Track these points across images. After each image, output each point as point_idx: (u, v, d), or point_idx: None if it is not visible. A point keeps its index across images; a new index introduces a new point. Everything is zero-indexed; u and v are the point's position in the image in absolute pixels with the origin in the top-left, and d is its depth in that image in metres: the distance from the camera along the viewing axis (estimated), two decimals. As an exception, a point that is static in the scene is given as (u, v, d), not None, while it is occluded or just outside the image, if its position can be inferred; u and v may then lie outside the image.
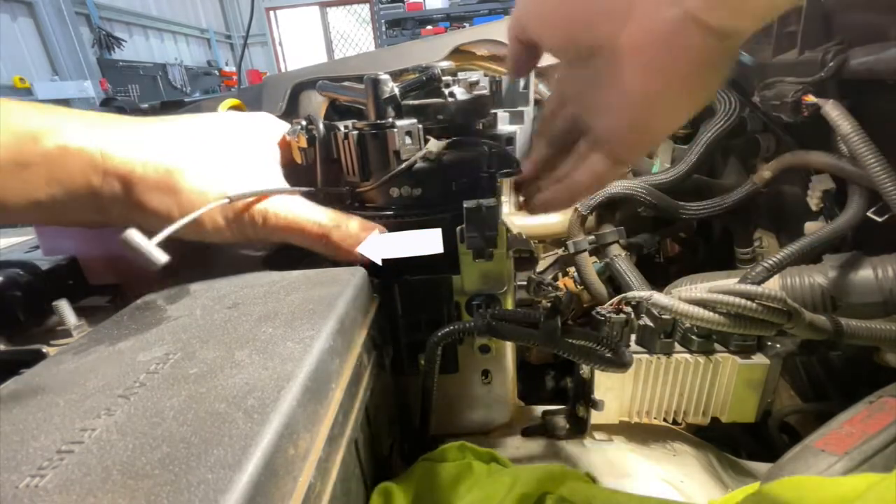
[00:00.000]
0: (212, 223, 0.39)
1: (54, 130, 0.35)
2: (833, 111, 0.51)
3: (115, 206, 0.38)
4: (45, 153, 0.35)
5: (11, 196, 0.35)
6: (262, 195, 0.39)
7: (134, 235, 0.31)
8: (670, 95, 0.30)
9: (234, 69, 8.33)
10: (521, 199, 0.43)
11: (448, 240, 0.41)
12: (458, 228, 0.39)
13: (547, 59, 0.38)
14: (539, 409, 0.53)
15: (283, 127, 0.47)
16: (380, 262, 0.40)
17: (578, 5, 0.30)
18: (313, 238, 0.40)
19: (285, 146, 0.45)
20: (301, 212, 0.40)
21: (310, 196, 0.43)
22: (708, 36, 0.26)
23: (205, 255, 0.46)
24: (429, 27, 6.16)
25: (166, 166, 0.38)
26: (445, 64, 0.42)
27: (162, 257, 0.32)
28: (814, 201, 0.59)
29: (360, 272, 0.38)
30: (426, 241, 0.39)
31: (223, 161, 0.40)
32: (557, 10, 0.32)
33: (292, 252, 0.43)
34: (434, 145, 0.39)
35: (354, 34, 8.78)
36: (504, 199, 0.45)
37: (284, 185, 0.42)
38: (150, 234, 0.34)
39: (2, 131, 0.34)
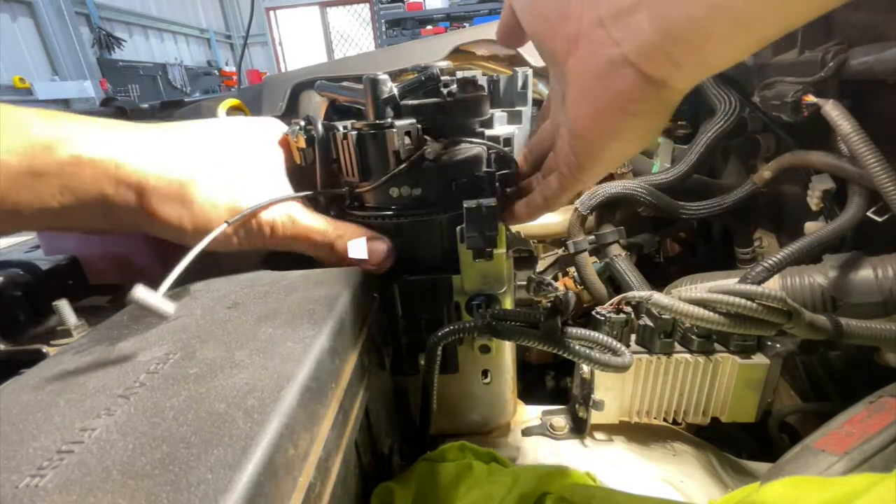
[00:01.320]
0: (221, 235, 0.39)
1: (68, 140, 0.35)
2: (833, 111, 0.51)
3: (127, 215, 0.38)
4: (59, 163, 0.34)
5: (25, 205, 0.34)
6: (260, 208, 0.40)
7: (140, 293, 0.30)
8: (603, 131, 0.29)
9: (234, 69, 8.34)
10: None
11: (448, 240, 0.41)
12: (458, 228, 0.39)
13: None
14: (539, 409, 0.53)
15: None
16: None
17: (544, 10, 0.29)
18: (319, 246, 0.42)
19: (286, 146, 0.46)
20: (307, 222, 0.41)
21: (309, 201, 0.44)
22: (643, 83, 0.26)
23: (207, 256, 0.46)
24: (429, 27, 6.16)
25: (179, 178, 0.38)
26: (444, 64, 0.42)
27: (170, 308, 0.31)
28: (814, 201, 0.59)
29: (359, 272, 0.38)
30: (357, 249, 0.40)
31: (233, 171, 0.41)
32: (532, 4, 0.31)
33: (292, 252, 0.43)
34: (433, 145, 0.39)
35: (354, 34, 8.78)
36: None
37: (290, 190, 0.43)
38: (160, 240, 0.35)
39: (17, 141, 0.33)
